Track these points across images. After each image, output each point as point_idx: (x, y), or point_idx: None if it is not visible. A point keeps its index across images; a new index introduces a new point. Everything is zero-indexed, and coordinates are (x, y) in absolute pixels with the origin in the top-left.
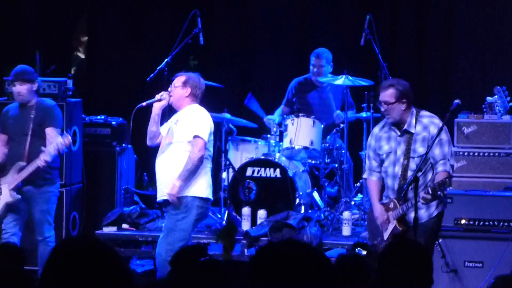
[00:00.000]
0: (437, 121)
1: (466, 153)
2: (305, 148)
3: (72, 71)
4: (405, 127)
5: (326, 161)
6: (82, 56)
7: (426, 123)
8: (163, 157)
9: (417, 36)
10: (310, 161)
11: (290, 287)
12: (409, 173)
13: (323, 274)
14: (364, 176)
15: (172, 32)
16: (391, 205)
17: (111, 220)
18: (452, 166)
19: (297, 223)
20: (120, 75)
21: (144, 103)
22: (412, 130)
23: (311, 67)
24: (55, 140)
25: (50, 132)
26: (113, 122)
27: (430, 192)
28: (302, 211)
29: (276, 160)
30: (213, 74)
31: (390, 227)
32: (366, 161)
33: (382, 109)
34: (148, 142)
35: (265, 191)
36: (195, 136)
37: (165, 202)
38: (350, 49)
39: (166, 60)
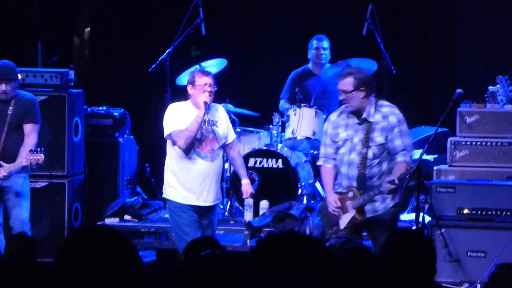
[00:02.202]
0: (397, 111)
1: (468, 143)
2: (307, 138)
3: (74, 62)
4: (364, 115)
5: None
6: (84, 47)
7: (386, 113)
8: (217, 163)
9: (419, 25)
10: (312, 151)
11: (292, 281)
12: (368, 162)
13: (324, 266)
14: (319, 163)
15: (174, 22)
16: (350, 194)
17: (113, 211)
18: (411, 157)
19: (299, 214)
20: (122, 66)
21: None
22: (371, 119)
23: (313, 51)
24: (29, 143)
25: (29, 128)
26: (115, 113)
27: (397, 182)
28: (305, 201)
29: (278, 150)
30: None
31: (348, 216)
32: (321, 148)
33: (341, 98)
34: (186, 147)
35: (267, 182)
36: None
37: (212, 208)
38: (352, 39)
39: (168, 50)
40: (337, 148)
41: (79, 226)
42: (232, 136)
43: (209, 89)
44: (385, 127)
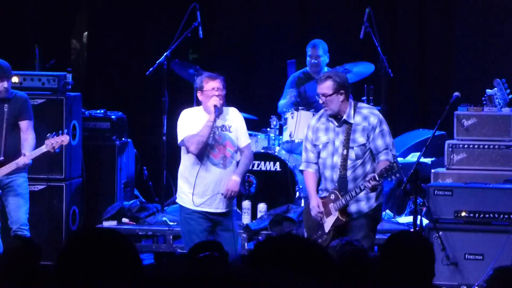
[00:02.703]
0: (377, 112)
1: (466, 146)
2: None
3: (71, 66)
4: (344, 117)
5: None
6: (81, 50)
7: (366, 114)
8: (230, 170)
9: (416, 28)
10: None
11: (289, 282)
12: (349, 163)
13: (322, 268)
14: (301, 168)
15: (172, 25)
16: (332, 197)
17: (111, 214)
18: (394, 156)
19: (297, 217)
20: (119, 69)
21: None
22: (351, 121)
23: (308, 59)
24: (29, 138)
25: (26, 125)
26: (113, 116)
27: (377, 179)
28: (302, 204)
29: (276, 153)
30: (212, 68)
31: (331, 219)
32: (303, 154)
33: (320, 101)
34: (198, 152)
35: (265, 185)
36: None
37: (226, 214)
38: (349, 42)
39: (165, 53)
40: (319, 153)
41: (79, 228)
42: (244, 140)
43: (217, 93)
44: (366, 127)
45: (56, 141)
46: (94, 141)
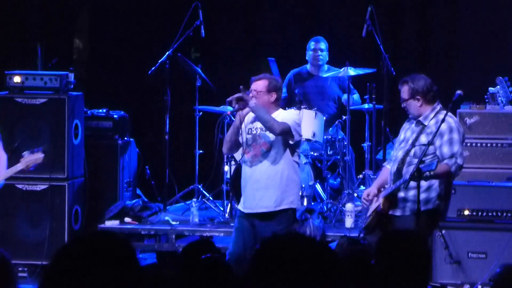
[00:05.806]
0: (451, 120)
1: (468, 144)
2: (307, 140)
3: (73, 65)
4: (421, 119)
5: (329, 153)
6: (83, 49)
7: (439, 119)
8: (258, 169)
9: (419, 26)
10: (312, 153)
11: (295, 281)
12: (408, 158)
13: (328, 268)
14: (384, 164)
15: (174, 24)
16: (386, 186)
17: (113, 214)
18: (458, 165)
19: (300, 215)
20: (121, 69)
21: (229, 112)
22: (426, 123)
23: (310, 53)
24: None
25: None
26: (115, 116)
27: (408, 176)
28: (305, 203)
29: None
30: (214, 67)
31: (375, 205)
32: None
33: (402, 105)
34: (228, 152)
35: None
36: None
37: (264, 216)
38: (351, 41)
39: (167, 53)
40: None
41: (81, 229)
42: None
43: (251, 94)
44: (432, 131)
45: (31, 159)
46: (96, 140)
